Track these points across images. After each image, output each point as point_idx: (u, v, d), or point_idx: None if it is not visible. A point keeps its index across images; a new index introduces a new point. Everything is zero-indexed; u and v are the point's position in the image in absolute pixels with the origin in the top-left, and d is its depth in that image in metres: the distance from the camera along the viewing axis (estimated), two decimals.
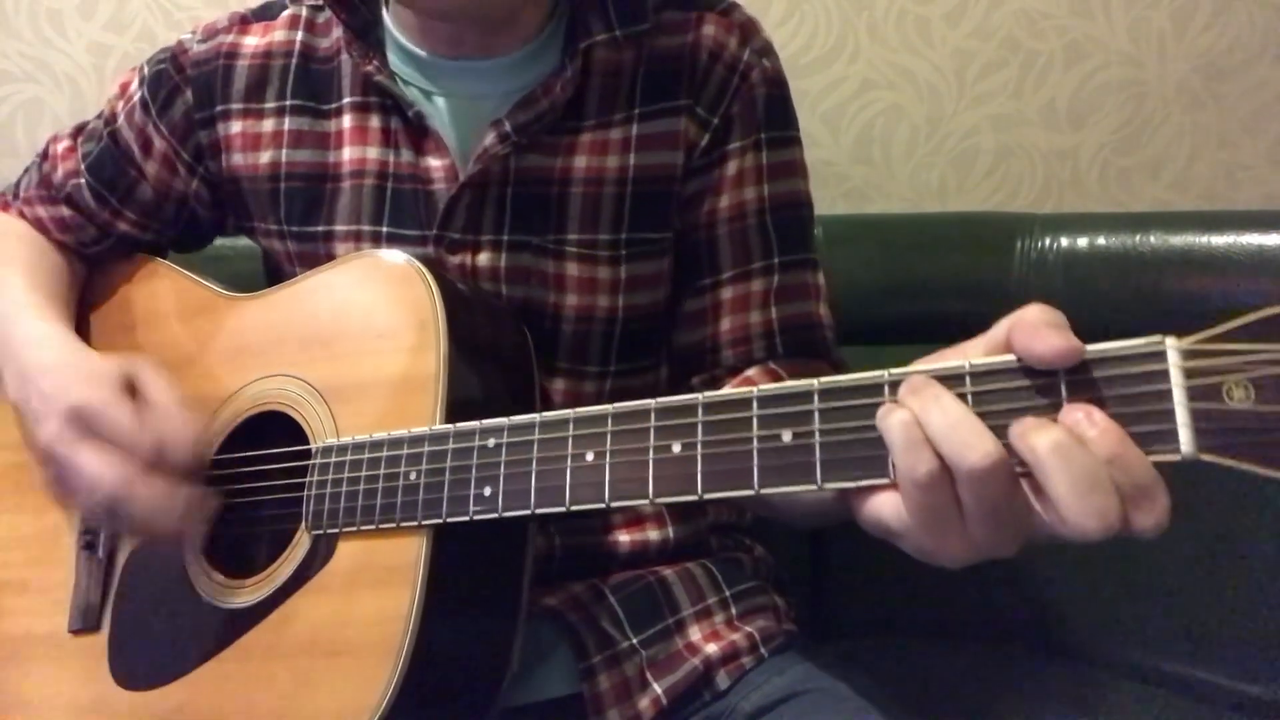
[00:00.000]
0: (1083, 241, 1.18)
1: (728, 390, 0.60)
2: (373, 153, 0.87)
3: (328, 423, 0.77)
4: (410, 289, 0.76)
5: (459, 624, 0.72)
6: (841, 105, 1.43)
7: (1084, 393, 0.49)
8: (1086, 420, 0.48)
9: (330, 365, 0.79)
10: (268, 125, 0.90)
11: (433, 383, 0.73)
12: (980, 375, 0.51)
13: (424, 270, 0.76)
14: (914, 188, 1.46)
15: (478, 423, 0.69)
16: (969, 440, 0.49)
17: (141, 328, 0.95)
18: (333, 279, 0.83)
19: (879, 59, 1.42)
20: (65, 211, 0.98)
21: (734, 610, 0.88)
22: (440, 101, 0.88)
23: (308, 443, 0.78)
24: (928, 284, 1.24)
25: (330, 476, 0.75)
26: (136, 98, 0.95)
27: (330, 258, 0.87)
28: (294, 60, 0.91)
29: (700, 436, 0.59)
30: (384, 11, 0.90)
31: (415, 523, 0.70)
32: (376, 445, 0.73)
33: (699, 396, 0.60)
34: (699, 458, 0.59)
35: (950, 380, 0.52)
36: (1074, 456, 0.47)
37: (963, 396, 0.51)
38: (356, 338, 0.79)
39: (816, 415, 0.55)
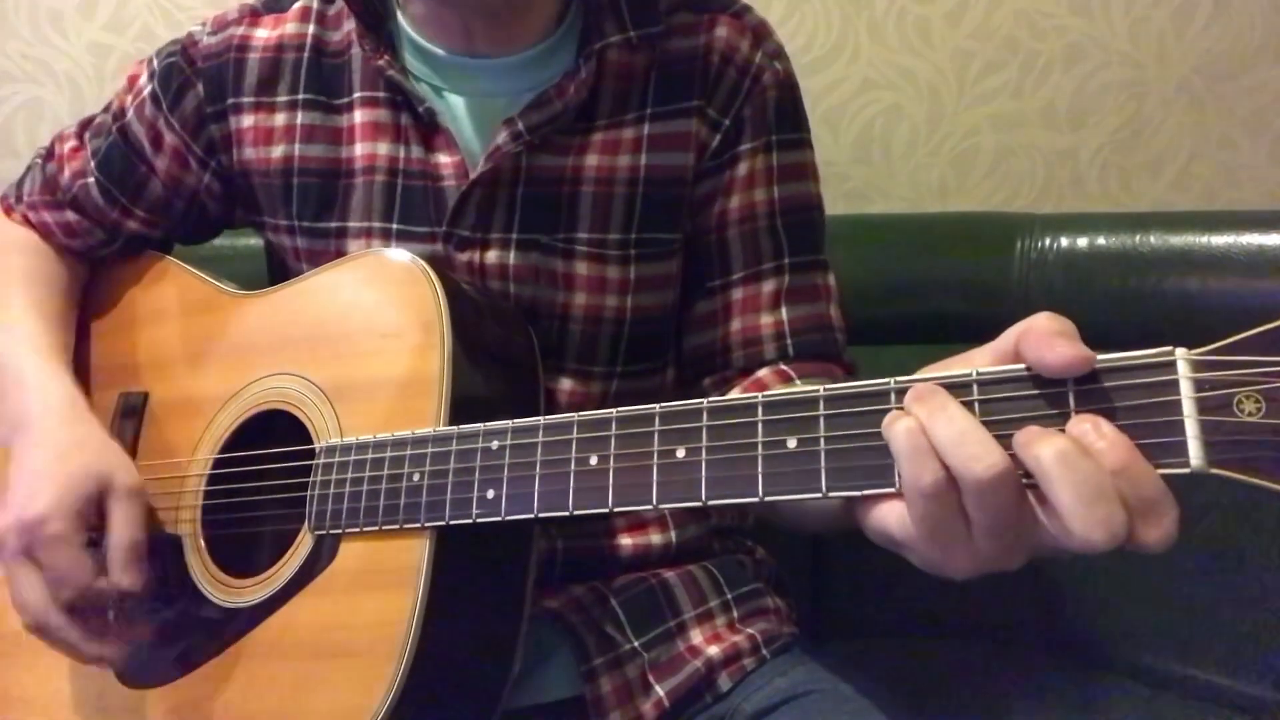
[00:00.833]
0: (1083, 241, 1.18)
1: (733, 396, 0.60)
2: (383, 148, 0.87)
3: (331, 422, 0.77)
4: (415, 289, 0.76)
5: (461, 627, 0.72)
6: (841, 105, 1.43)
7: (1092, 403, 0.49)
8: (1094, 431, 0.47)
9: (334, 365, 0.79)
10: (280, 119, 0.90)
11: (436, 384, 0.73)
12: (988, 384, 0.51)
13: (429, 270, 0.76)
14: (914, 188, 1.46)
15: (481, 425, 0.69)
16: (975, 451, 0.48)
17: (146, 324, 0.95)
18: (338, 278, 0.83)
19: (879, 59, 1.41)
20: (71, 216, 0.97)
21: (735, 612, 0.88)
22: (451, 99, 0.88)
23: (312, 442, 0.78)
24: (928, 284, 1.24)
25: (333, 477, 0.75)
26: (146, 92, 0.94)
27: (340, 254, 0.87)
28: (306, 54, 0.90)
29: (705, 442, 0.59)
30: (397, 10, 0.90)
31: (418, 524, 0.70)
32: (380, 446, 0.73)
33: (703, 402, 0.60)
34: (703, 463, 0.59)
35: (957, 389, 0.51)
36: (1079, 466, 0.46)
37: (970, 405, 0.50)
38: (361, 337, 0.79)
39: (822, 422, 0.55)
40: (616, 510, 0.62)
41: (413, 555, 0.70)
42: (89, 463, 0.80)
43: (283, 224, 0.91)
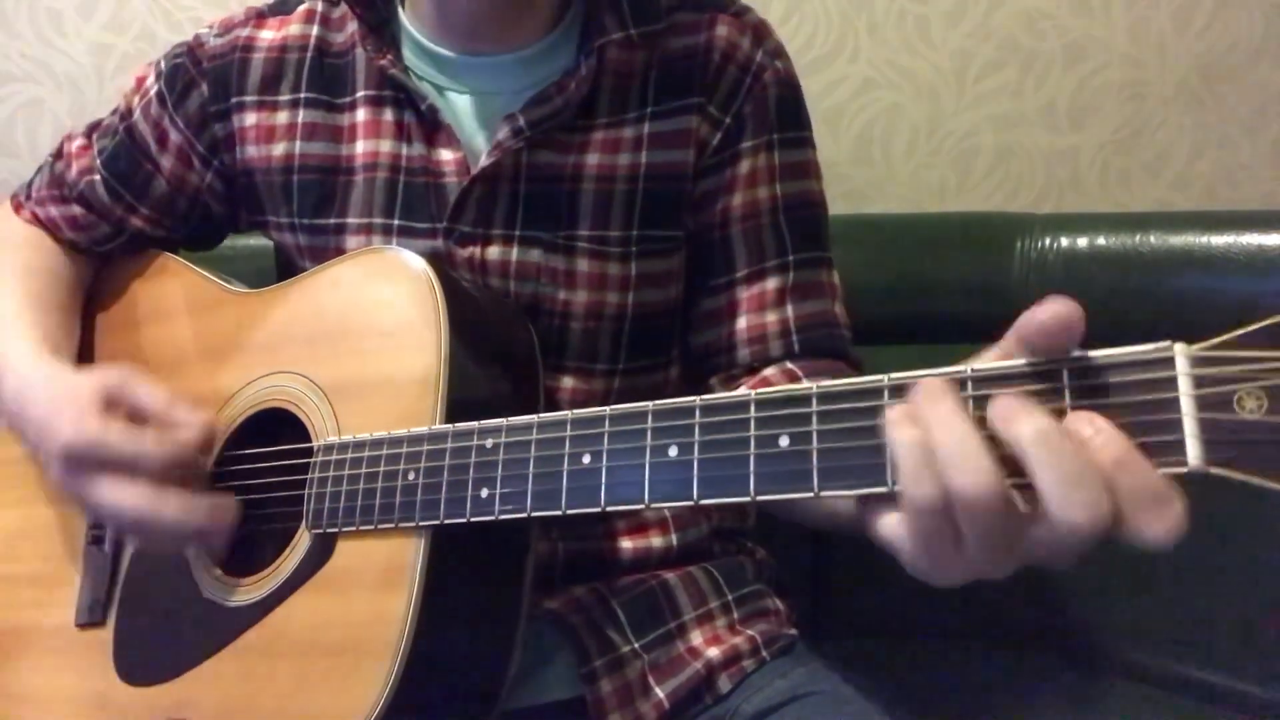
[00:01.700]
0: (1083, 241, 1.18)
1: (725, 393, 0.59)
2: (385, 146, 0.87)
3: (330, 421, 0.77)
4: (414, 287, 0.76)
5: (457, 626, 0.72)
6: (841, 105, 1.43)
7: (1089, 399, 0.47)
8: (1084, 419, 0.46)
9: (334, 363, 0.79)
10: (282, 118, 0.91)
11: (434, 382, 0.72)
12: (982, 380, 0.50)
13: (428, 269, 0.76)
14: (914, 188, 1.45)
15: (476, 423, 0.68)
16: (972, 466, 0.47)
17: (149, 322, 0.96)
18: (338, 276, 0.83)
19: (879, 59, 1.41)
20: (77, 210, 0.98)
21: (736, 614, 0.88)
22: (453, 96, 0.88)
23: (311, 441, 0.78)
24: (928, 284, 1.24)
25: (330, 475, 0.75)
26: (153, 91, 0.95)
27: (340, 251, 0.87)
28: (309, 54, 0.91)
29: (697, 439, 0.58)
30: (399, 9, 0.90)
31: (413, 524, 0.69)
32: (376, 444, 0.73)
33: (696, 399, 0.59)
34: (695, 462, 0.58)
35: (950, 384, 0.50)
36: (1059, 446, 0.45)
37: (964, 401, 0.49)
38: (360, 336, 0.79)
39: (814, 420, 0.54)
40: (609, 509, 0.62)
41: (407, 554, 0.69)
42: (80, 380, 0.81)
43: (284, 222, 0.92)
